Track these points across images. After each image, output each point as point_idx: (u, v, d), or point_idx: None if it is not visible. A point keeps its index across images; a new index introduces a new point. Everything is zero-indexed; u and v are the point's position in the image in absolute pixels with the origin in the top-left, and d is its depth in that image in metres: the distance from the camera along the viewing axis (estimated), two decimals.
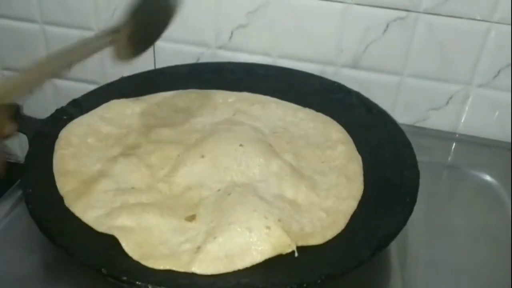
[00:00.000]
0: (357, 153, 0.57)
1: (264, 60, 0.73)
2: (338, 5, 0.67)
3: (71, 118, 0.59)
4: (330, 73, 0.72)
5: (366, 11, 0.67)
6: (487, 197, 0.62)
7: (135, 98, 0.64)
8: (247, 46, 0.73)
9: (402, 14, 0.66)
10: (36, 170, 0.52)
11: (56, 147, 0.54)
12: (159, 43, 0.75)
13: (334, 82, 0.67)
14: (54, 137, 0.56)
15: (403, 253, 0.53)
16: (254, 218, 0.45)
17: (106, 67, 0.79)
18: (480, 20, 0.64)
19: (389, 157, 0.56)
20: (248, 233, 0.44)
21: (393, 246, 0.52)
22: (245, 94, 0.66)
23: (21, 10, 0.77)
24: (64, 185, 0.50)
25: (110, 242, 0.44)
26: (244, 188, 0.49)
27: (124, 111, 0.61)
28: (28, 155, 0.53)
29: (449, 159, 0.69)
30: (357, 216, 0.49)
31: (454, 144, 0.71)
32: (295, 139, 0.59)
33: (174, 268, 0.42)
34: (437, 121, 0.72)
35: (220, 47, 0.74)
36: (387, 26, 0.67)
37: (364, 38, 0.69)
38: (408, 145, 0.56)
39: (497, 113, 0.70)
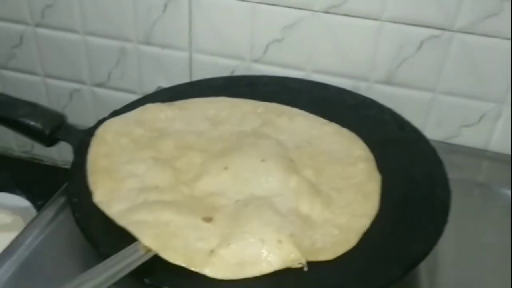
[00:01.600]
0: (377, 172, 0.58)
1: (298, 74, 0.74)
2: (372, 22, 0.68)
3: None
4: (363, 88, 0.73)
5: (400, 28, 0.68)
6: None
7: (169, 103, 0.66)
8: (281, 60, 0.75)
9: (437, 32, 0.67)
10: (80, 179, 0.54)
11: (92, 143, 0.57)
12: (195, 55, 0.78)
13: (366, 98, 0.68)
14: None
15: (433, 272, 0.53)
16: (267, 231, 0.47)
17: (143, 77, 0.82)
18: None
19: (421, 175, 0.56)
20: (260, 244, 0.46)
21: (423, 265, 0.53)
22: (274, 105, 0.67)
23: (64, 20, 0.80)
24: (95, 181, 0.53)
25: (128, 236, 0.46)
26: (261, 201, 0.51)
27: (158, 115, 0.63)
28: (74, 164, 0.56)
29: (480, 176, 0.70)
30: (383, 233, 0.50)
31: (484, 162, 0.72)
32: (317, 154, 0.60)
33: (187, 266, 0.44)
34: (469, 138, 0.73)
35: (255, 61, 0.76)
36: (421, 44, 0.68)
37: (397, 55, 0.69)
38: (439, 163, 0.57)
39: None
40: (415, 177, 0.56)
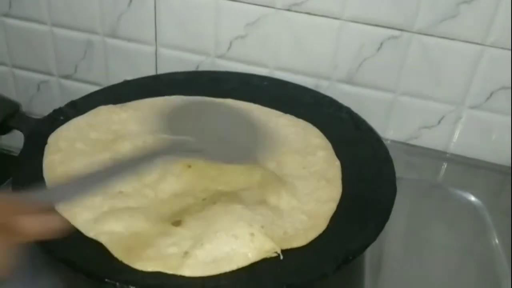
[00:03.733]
0: (336, 158, 0.59)
1: (261, 71, 0.74)
2: (334, 21, 0.68)
3: (67, 118, 0.62)
4: (325, 87, 0.73)
5: (361, 28, 0.68)
6: (470, 218, 0.63)
7: (121, 104, 0.65)
8: (245, 56, 0.75)
9: (396, 33, 0.67)
10: (28, 168, 0.54)
11: (45, 152, 0.56)
12: (161, 50, 0.78)
13: (325, 96, 0.69)
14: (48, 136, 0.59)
15: (377, 267, 0.54)
16: (239, 226, 0.47)
17: (110, 70, 0.82)
18: (473, 42, 0.65)
19: (370, 173, 0.57)
20: (234, 240, 0.46)
21: (368, 258, 0.54)
22: (228, 101, 0.68)
23: (31, 11, 0.80)
24: None
25: (100, 246, 0.46)
26: (228, 197, 0.51)
27: (111, 117, 0.63)
28: (21, 153, 0.56)
29: (438, 178, 0.70)
30: (330, 228, 0.50)
31: (444, 164, 0.72)
32: (277, 146, 0.61)
33: (162, 270, 0.44)
34: (429, 140, 0.73)
35: (219, 57, 0.76)
36: (381, 44, 0.68)
37: (358, 54, 0.70)
38: (389, 162, 0.57)
39: (488, 135, 0.70)
40: (364, 175, 0.57)
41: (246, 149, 0.53)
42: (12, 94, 0.88)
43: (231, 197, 0.51)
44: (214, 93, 0.69)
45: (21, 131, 0.60)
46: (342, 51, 0.70)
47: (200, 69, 0.77)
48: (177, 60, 0.78)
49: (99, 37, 0.79)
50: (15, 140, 0.68)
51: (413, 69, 0.69)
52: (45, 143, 0.58)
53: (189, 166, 0.55)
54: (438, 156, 0.73)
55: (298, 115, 0.66)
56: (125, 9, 0.76)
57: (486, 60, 0.66)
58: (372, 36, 0.68)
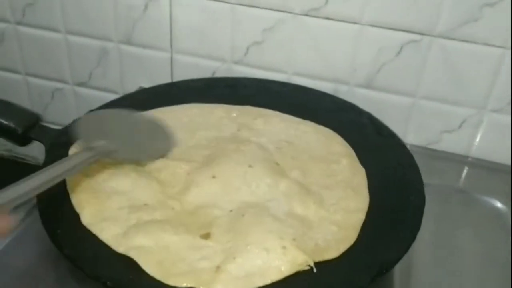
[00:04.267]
0: (360, 165, 0.59)
1: (279, 76, 0.74)
2: (352, 26, 0.68)
3: None
4: (343, 92, 0.72)
5: (381, 32, 0.67)
6: (495, 222, 0.62)
7: (140, 113, 0.65)
8: (262, 62, 0.74)
9: (417, 37, 0.66)
10: None
11: None
12: (176, 56, 0.78)
13: (346, 102, 0.68)
14: (70, 147, 0.58)
15: (407, 275, 0.53)
16: (270, 239, 0.46)
17: (125, 77, 0.82)
18: (495, 46, 0.64)
19: (396, 180, 0.56)
20: (265, 253, 0.45)
21: (397, 267, 0.53)
22: (247, 108, 0.67)
23: (45, 19, 0.80)
24: (79, 203, 0.51)
25: (129, 261, 0.45)
26: (256, 208, 0.50)
27: None
28: (44, 165, 0.55)
29: (460, 183, 0.69)
30: (360, 238, 0.49)
31: (465, 168, 0.71)
32: (299, 153, 0.60)
33: (195, 286, 0.44)
34: (450, 144, 0.72)
35: (236, 63, 0.75)
36: (401, 48, 0.67)
37: (377, 59, 0.69)
38: (416, 169, 0.57)
39: (510, 138, 0.69)
40: (390, 182, 0.56)
41: (153, 147, 0.59)
42: (26, 102, 0.88)
43: (259, 208, 0.51)
44: (232, 100, 0.68)
45: (41, 142, 0.59)
46: (361, 55, 0.69)
47: (216, 75, 0.77)
48: (193, 66, 0.77)
49: (114, 44, 0.79)
50: (30, 149, 0.68)
51: (433, 73, 0.68)
52: (66, 154, 0.57)
53: (213, 177, 0.54)
54: (459, 160, 0.72)
55: (318, 121, 0.65)
56: (140, 16, 0.75)
57: (508, 63, 0.65)
58: (392, 40, 0.67)
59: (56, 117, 0.86)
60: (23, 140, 0.60)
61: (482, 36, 0.64)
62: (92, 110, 0.64)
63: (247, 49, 0.73)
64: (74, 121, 0.62)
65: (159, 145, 0.59)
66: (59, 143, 0.58)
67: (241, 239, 0.47)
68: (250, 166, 0.55)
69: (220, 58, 0.75)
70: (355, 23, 0.67)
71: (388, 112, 0.70)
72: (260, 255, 0.45)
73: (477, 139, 0.71)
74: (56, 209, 0.50)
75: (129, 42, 0.78)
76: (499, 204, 0.64)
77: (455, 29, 0.64)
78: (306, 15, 0.69)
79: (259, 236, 0.47)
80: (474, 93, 0.68)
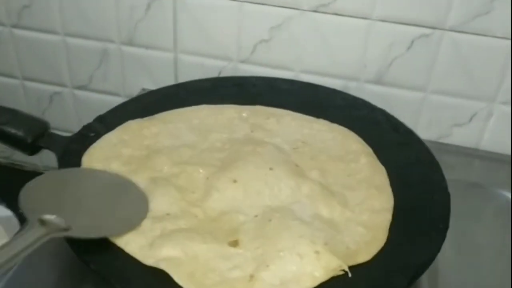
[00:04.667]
0: (380, 164, 0.58)
1: (287, 74, 0.73)
2: (362, 21, 0.67)
3: (98, 134, 0.59)
4: (353, 88, 0.71)
5: (390, 27, 0.66)
6: (510, 215, 0.62)
7: (149, 118, 0.63)
8: (269, 60, 0.73)
9: (427, 31, 0.66)
10: None
11: None
12: (180, 56, 0.76)
13: (357, 98, 0.67)
14: (82, 155, 0.56)
15: (434, 275, 0.53)
16: (301, 244, 0.45)
17: (127, 79, 0.80)
18: (505, 38, 0.64)
19: (418, 178, 0.55)
20: (299, 259, 0.44)
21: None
22: (258, 108, 0.66)
23: (42, 21, 0.77)
24: None
25: (159, 273, 0.44)
26: (282, 212, 0.49)
27: (141, 132, 0.61)
28: None
29: (473, 176, 0.69)
30: (389, 240, 0.49)
31: (477, 161, 0.71)
32: (316, 153, 0.59)
33: None
34: (460, 137, 0.72)
35: (242, 61, 0.74)
36: (412, 42, 0.67)
37: (388, 54, 0.68)
38: (437, 166, 0.56)
39: None
40: (411, 180, 0.55)
41: (121, 216, 0.48)
42: (23, 108, 0.84)
43: (285, 212, 0.50)
44: (241, 100, 0.67)
45: (51, 150, 0.57)
46: (371, 51, 0.69)
47: (222, 75, 0.75)
48: (198, 66, 0.75)
49: (115, 45, 0.77)
50: (38, 157, 0.66)
51: (444, 67, 0.68)
52: (78, 162, 0.56)
53: (234, 181, 0.53)
54: (470, 153, 0.72)
55: (331, 119, 0.64)
56: (143, 16, 0.73)
57: None
58: (403, 35, 0.67)
59: (54, 122, 0.82)
60: (33, 149, 0.58)
61: (493, 29, 0.64)
62: (100, 116, 0.62)
63: (254, 47, 0.72)
64: (84, 127, 0.60)
65: (129, 212, 0.49)
66: (71, 151, 0.56)
67: (271, 245, 0.46)
68: (270, 168, 0.54)
69: (226, 57, 0.74)
70: (365, 18, 0.67)
71: (398, 107, 0.69)
72: (293, 261, 0.44)
73: (488, 132, 0.71)
74: None
75: (131, 43, 0.76)
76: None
77: (466, 22, 0.64)
78: (315, 11, 0.68)
79: (290, 241, 0.46)
80: (484, 86, 0.68)
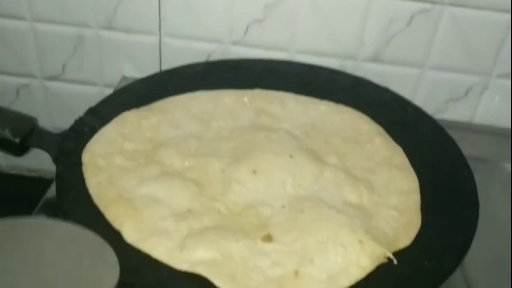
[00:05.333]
0: (395, 143, 0.56)
1: (280, 55, 0.69)
2: None
3: (93, 129, 0.54)
4: (350, 67, 0.69)
5: (391, 2, 0.65)
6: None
7: (146, 107, 0.58)
8: (262, 41, 0.69)
9: (427, 6, 0.64)
10: (72, 192, 0.46)
11: (86, 174, 0.48)
12: (165, 39, 0.71)
13: (359, 78, 0.65)
14: (80, 152, 0.51)
15: None
16: (343, 234, 0.43)
17: (105, 67, 0.73)
18: (503, 10, 0.64)
19: (435, 156, 0.54)
20: (343, 250, 0.42)
21: None
22: (258, 92, 0.62)
23: (7, 6, 0.69)
24: (116, 218, 0.44)
25: (196, 278, 0.40)
26: (312, 202, 0.47)
27: (140, 124, 0.56)
28: (58, 177, 0.47)
29: (474, 151, 0.69)
30: (424, 221, 0.47)
31: (474, 135, 0.71)
32: (329, 137, 0.57)
33: None
34: (455, 112, 0.72)
35: (234, 43, 0.69)
36: (411, 18, 0.65)
37: (387, 31, 0.67)
38: (452, 143, 0.55)
39: None
40: (429, 159, 0.54)
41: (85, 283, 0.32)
42: None
43: (315, 202, 0.47)
44: (239, 84, 0.63)
45: (42, 149, 0.51)
46: (369, 28, 0.67)
47: (212, 58, 0.71)
48: (185, 50, 0.70)
49: (92, 31, 0.70)
50: (27, 160, 0.59)
51: (443, 42, 0.67)
52: (77, 161, 0.50)
53: (254, 172, 0.50)
54: (466, 128, 0.72)
55: (336, 100, 0.62)
56: None
57: None
58: (402, 10, 0.65)
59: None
60: (21, 149, 0.51)
61: (492, 2, 0.63)
62: (91, 108, 0.56)
63: (247, 28, 0.68)
64: (77, 122, 0.54)
65: (94, 277, 0.33)
66: (66, 150, 0.51)
67: (310, 238, 0.43)
68: (290, 156, 0.51)
69: (216, 39, 0.69)
70: None
71: (394, 84, 0.68)
72: (337, 253, 0.42)
73: (483, 105, 0.71)
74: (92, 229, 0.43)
75: (110, 27, 0.69)
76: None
77: None
78: None
79: (329, 232, 0.43)
80: (481, 59, 0.68)
